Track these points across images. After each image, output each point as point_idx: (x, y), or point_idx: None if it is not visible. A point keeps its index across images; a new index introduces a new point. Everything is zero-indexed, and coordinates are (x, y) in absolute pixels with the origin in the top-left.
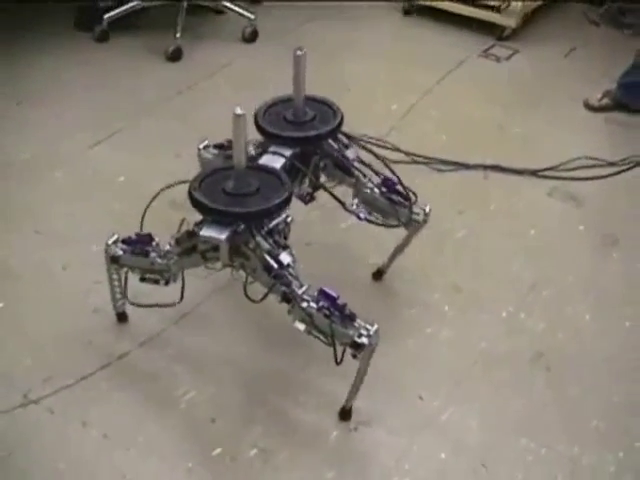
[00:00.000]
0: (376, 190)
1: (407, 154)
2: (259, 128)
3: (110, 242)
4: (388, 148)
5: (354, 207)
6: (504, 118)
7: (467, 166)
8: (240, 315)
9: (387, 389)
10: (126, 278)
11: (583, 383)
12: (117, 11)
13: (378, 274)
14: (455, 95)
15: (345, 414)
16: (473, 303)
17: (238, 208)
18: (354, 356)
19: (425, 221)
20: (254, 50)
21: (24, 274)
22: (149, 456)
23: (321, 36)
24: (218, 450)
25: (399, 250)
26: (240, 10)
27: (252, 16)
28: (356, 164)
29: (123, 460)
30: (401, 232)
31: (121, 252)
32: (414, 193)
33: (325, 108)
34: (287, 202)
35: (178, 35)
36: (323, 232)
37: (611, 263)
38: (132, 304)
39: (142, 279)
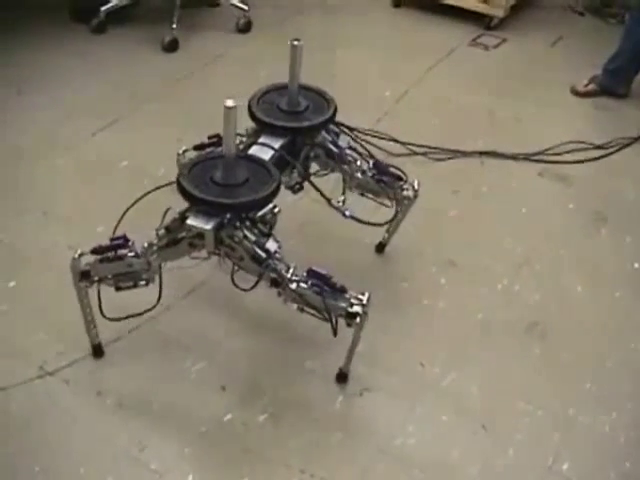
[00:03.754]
0: (368, 174)
1: (404, 144)
2: (253, 116)
3: (76, 256)
4: (384, 138)
5: (339, 204)
6: (494, 104)
7: (464, 153)
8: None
9: (389, 357)
10: (99, 294)
11: (576, 350)
12: (114, 3)
13: (380, 247)
14: (446, 82)
15: (342, 377)
16: (468, 276)
17: (226, 199)
18: (349, 325)
19: (415, 196)
20: (248, 40)
21: (33, 254)
22: (163, 422)
23: (313, 27)
24: (229, 416)
25: (396, 224)
26: (234, 2)
27: (246, 7)
28: (347, 151)
29: (138, 427)
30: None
31: (88, 266)
32: (404, 173)
33: (318, 98)
34: (274, 194)
35: (174, 26)
36: (317, 212)
37: (600, 239)
38: (110, 319)
39: (117, 288)
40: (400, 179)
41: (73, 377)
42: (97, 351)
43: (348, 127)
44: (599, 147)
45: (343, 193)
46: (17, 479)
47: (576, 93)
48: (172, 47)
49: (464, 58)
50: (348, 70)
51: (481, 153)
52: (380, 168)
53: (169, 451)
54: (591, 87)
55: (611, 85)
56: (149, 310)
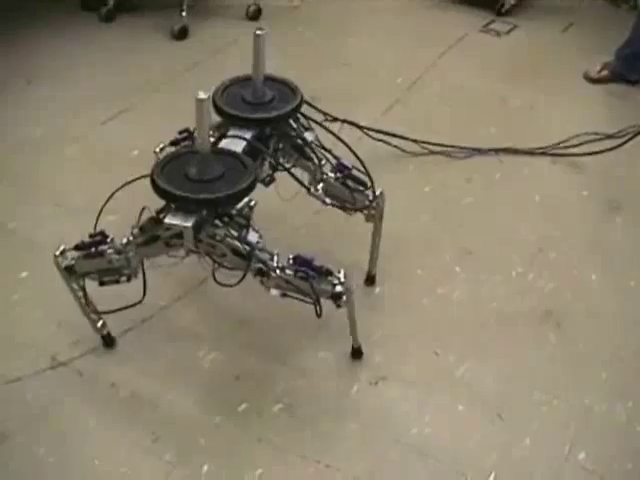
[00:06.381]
0: (331, 174)
1: (416, 141)
2: (217, 109)
3: (58, 253)
4: (400, 137)
5: (319, 192)
6: (506, 91)
7: (480, 151)
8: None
9: (404, 346)
10: (84, 287)
11: (592, 339)
12: None
13: (370, 279)
14: (458, 69)
15: (356, 354)
16: (483, 265)
17: (203, 194)
18: (338, 306)
19: (379, 204)
20: None
21: (44, 244)
22: (177, 413)
23: (324, 13)
24: (244, 406)
25: (375, 246)
26: None
27: None
28: (314, 147)
29: (152, 417)
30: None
31: (73, 261)
32: (371, 178)
33: (284, 88)
34: (252, 187)
35: (184, 14)
36: None
37: (615, 227)
38: (102, 313)
39: (101, 283)
40: (363, 184)
41: (86, 368)
42: (107, 342)
43: (357, 125)
44: (612, 136)
45: (319, 182)
46: (32, 470)
47: (589, 79)
48: (182, 35)
49: (476, 44)
50: (360, 57)
51: (497, 150)
52: (342, 170)
53: (183, 442)
54: (604, 73)
55: (624, 71)
56: (134, 305)
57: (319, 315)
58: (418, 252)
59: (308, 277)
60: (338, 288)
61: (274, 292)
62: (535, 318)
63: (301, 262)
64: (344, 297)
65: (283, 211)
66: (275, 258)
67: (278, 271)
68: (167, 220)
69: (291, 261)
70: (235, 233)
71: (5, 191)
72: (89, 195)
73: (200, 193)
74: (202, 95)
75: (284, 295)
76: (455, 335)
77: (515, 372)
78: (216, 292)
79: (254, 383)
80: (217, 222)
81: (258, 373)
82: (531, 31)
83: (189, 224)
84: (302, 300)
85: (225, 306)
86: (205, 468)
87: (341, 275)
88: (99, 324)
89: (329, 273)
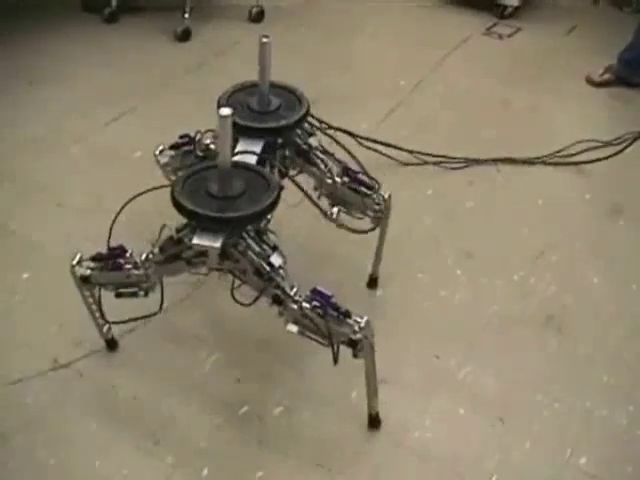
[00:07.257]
0: (337, 179)
1: (411, 152)
2: None
3: (74, 262)
4: (394, 147)
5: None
6: (509, 94)
7: (477, 161)
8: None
9: (405, 350)
10: (99, 298)
11: (593, 342)
12: None
13: (372, 281)
14: (460, 72)
15: (374, 421)
16: (485, 268)
17: (230, 213)
18: (355, 356)
19: (387, 208)
20: (261, 30)
21: (47, 245)
22: (178, 414)
23: (326, 16)
24: (245, 408)
25: (380, 249)
26: None
27: None
28: (318, 153)
29: (153, 419)
30: None
31: (89, 271)
32: (377, 182)
33: (288, 95)
34: (277, 201)
35: (186, 16)
36: None
37: (617, 230)
38: (113, 323)
39: (117, 295)
40: (370, 188)
41: (87, 369)
42: (110, 345)
43: (351, 133)
44: (616, 140)
45: (318, 197)
46: (32, 472)
47: (592, 83)
48: (184, 37)
49: (478, 47)
50: (363, 59)
51: (495, 160)
52: (350, 174)
53: (184, 444)
54: (607, 76)
55: (627, 74)
56: (149, 316)
57: (336, 361)
58: (419, 255)
59: (325, 314)
60: (357, 335)
61: (293, 328)
62: (536, 321)
63: (318, 296)
64: (362, 347)
65: (283, 213)
66: (294, 290)
67: (295, 304)
68: (195, 241)
69: (308, 293)
70: (257, 249)
71: (7, 192)
72: (91, 196)
73: (226, 211)
74: (226, 111)
75: (302, 334)
76: (456, 338)
77: (516, 375)
78: (218, 294)
79: (255, 386)
80: (243, 235)
81: (259, 376)
82: (534, 34)
83: (218, 244)
84: (319, 342)
85: (226, 308)
86: (205, 471)
87: (362, 321)
88: (105, 329)
89: (348, 315)
